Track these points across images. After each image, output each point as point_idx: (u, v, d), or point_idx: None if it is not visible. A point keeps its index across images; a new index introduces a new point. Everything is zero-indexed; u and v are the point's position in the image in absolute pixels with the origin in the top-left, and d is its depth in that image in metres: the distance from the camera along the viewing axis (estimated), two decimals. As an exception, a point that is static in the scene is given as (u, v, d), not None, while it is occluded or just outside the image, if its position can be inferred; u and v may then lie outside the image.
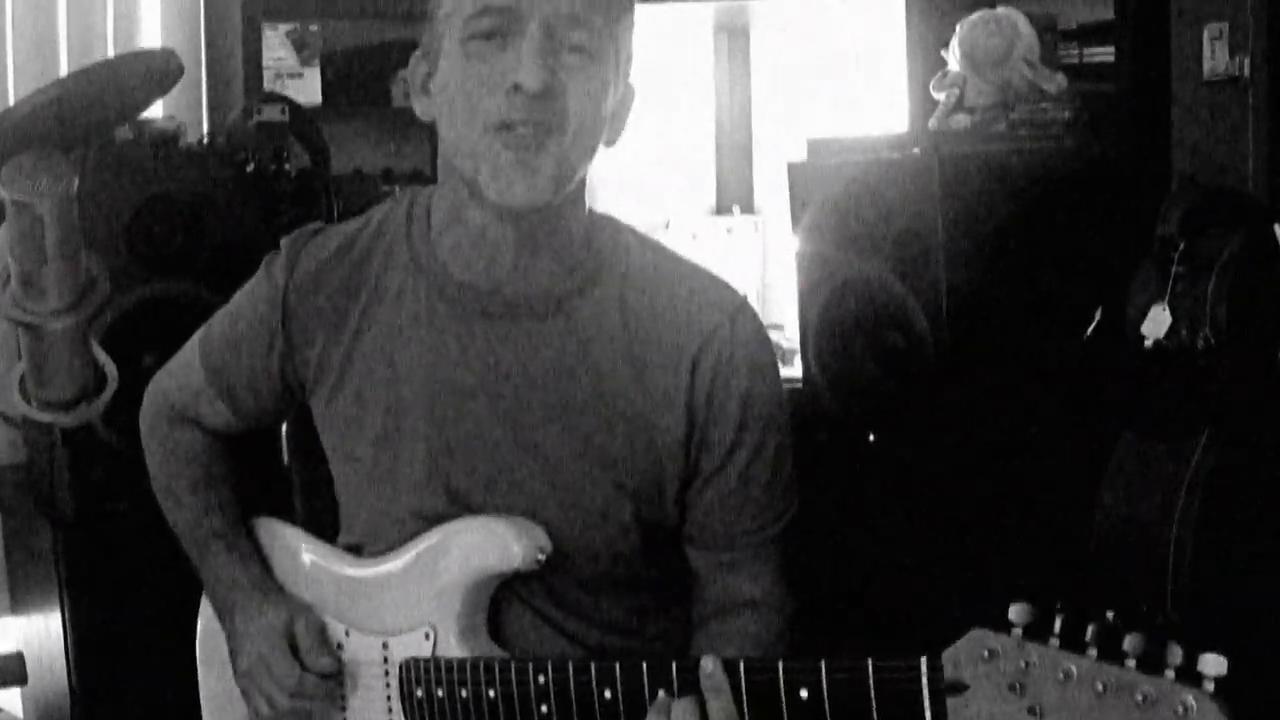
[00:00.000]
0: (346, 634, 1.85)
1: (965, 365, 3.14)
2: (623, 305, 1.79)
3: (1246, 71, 3.09)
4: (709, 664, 1.56)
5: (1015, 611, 1.39)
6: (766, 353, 1.83)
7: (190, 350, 2.00)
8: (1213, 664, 1.29)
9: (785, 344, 3.95)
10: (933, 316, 3.14)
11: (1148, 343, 2.81)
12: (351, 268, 1.86)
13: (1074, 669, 1.35)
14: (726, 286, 1.83)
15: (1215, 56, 3.13)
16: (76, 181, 1.60)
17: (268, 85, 4.25)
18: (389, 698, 1.80)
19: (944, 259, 3.10)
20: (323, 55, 4.38)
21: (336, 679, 1.84)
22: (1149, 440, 2.81)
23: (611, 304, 1.79)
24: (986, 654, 1.40)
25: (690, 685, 1.58)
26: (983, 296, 3.14)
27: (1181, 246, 2.79)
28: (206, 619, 2.02)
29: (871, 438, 3.33)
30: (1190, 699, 1.29)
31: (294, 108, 3.88)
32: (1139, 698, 1.31)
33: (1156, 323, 2.80)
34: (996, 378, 3.13)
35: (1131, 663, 1.32)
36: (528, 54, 1.64)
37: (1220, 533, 2.69)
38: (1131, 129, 3.35)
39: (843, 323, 3.36)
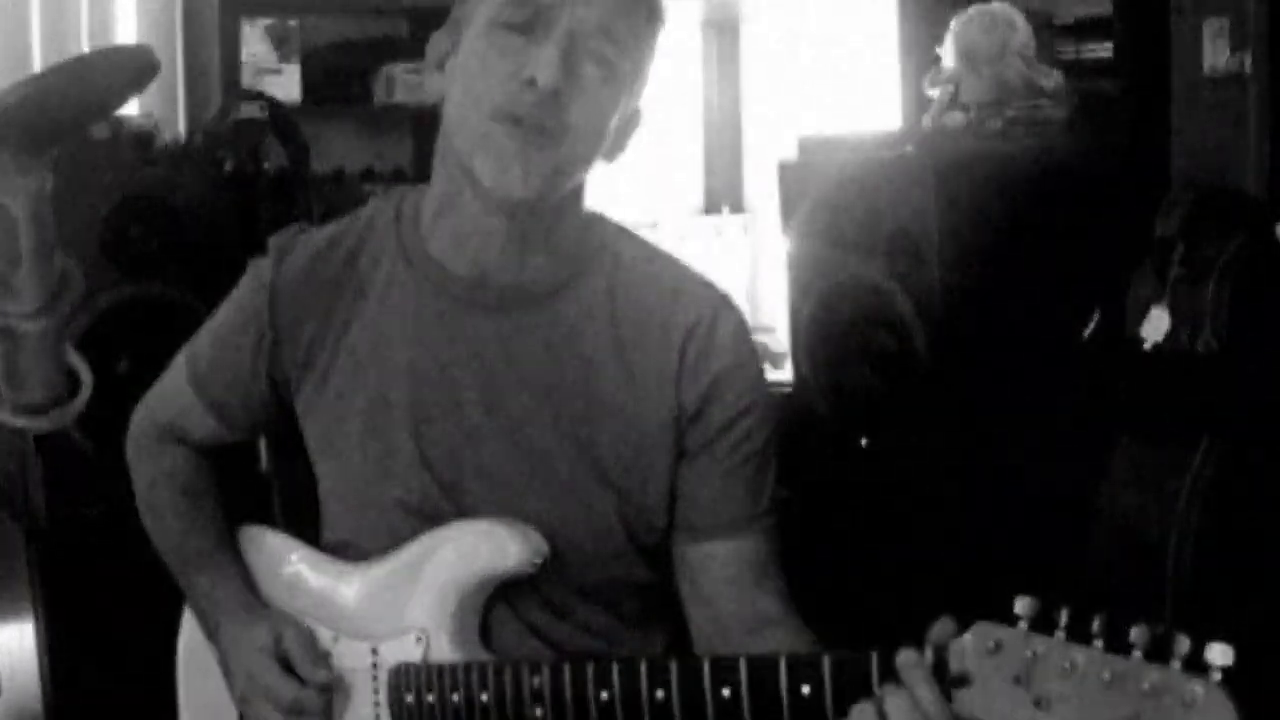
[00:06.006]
0: (335, 641, 1.84)
1: (959, 368, 3.11)
2: (610, 299, 1.82)
3: (1248, 68, 3.08)
4: (909, 655, 1.45)
5: (1021, 604, 1.39)
6: (749, 345, 1.86)
7: (176, 366, 2.01)
8: (1220, 653, 1.29)
9: (776, 347, 3.94)
10: (926, 319, 3.14)
11: (1147, 345, 2.80)
12: (340, 262, 1.88)
13: (1080, 660, 1.35)
14: (709, 282, 1.87)
15: (1216, 52, 3.12)
16: (50, 181, 1.58)
17: (246, 82, 4.23)
18: (377, 704, 1.79)
19: (938, 260, 3.10)
20: (302, 51, 4.37)
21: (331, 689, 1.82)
22: (1148, 445, 2.80)
23: (599, 298, 1.82)
24: (992, 646, 1.40)
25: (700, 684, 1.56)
26: (978, 298, 3.14)
27: (1181, 248, 2.78)
28: (189, 633, 2.01)
29: (864, 442, 3.31)
30: (1198, 688, 1.29)
31: (273, 105, 3.87)
32: (1145, 687, 1.31)
33: (1156, 325, 2.79)
34: (991, 381, 3.11)
35: (1138, 653, 1.32)
36: (549, 51, 1.67)
37: (1221, 540, 2.68)
38: (1130, 127, 3.36)
39: (835, 325, 3.35)
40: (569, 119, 1.69)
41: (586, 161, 1.76)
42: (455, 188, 1.77)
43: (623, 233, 1.89)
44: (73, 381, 1.74)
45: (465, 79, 1.73)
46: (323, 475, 1.91)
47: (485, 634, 1.81)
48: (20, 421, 1.73)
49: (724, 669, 1.56)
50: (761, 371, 1.88)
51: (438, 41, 1.80)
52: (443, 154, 1.80)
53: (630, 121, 1.81)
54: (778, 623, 1.81)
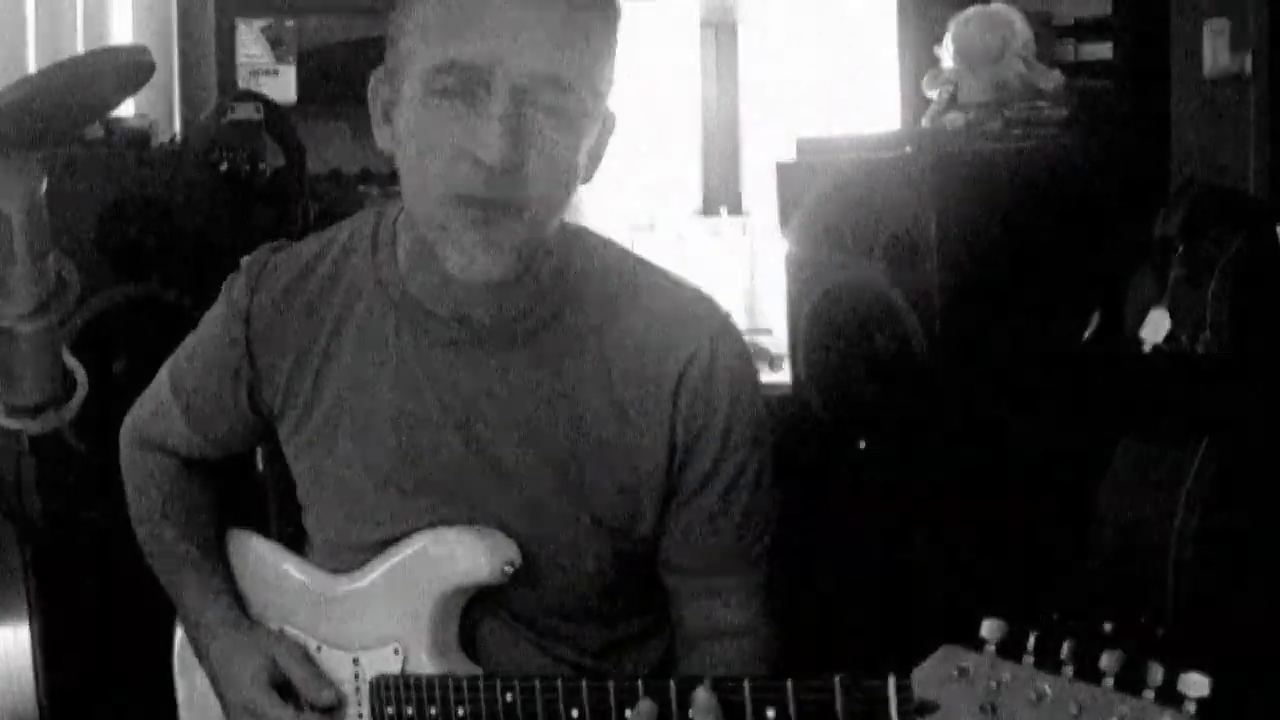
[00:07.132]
0: (318, 649, 1.84)
1: (958, 370, 3.10)
2: (599, 332, 1.75)
3: (1248, 68, 3.08)
4: (703, 695, 1.54)
5: (987, 628, 1.37)
6: (749, 373, 1.80)
7: (160, 379, 1.99)
8: (1195, 684, 1.26)
9: (774, 349, 3.92)
10: (925, 320, 3.12)
11: (1146, 347, 2.79)
12: (316, 291, 1.82)
13: (1048, 689, 1.33)
14: (707, 302, 1.79)
15: (1216, 53, 3.11)
16: (45, 182, 1.57)
17: (242, 83, 4.22)
18: (360, 715, 1.80)
19: (937, 261, 3.08)
20: (299, 52, 4.35)
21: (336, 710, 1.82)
22: (1148, 447, 2.78)
23: (586, 331, 1.75)
24: (957, 672, 1.38)
25: (667, 704, 1.58)
26: (976, 300, 3.12)
27: (1181, 248, 2.76)
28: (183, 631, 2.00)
29: (862, 444, 3.30)
30: None
31: (269, 106, 3.85)
32: (1115, 719, 1.28)
33: (1155, 326, 2.78)
34: (990, 383, 3.10)
35: (1109, 681, 1.30)
36: (491, 124, 1.53)
37: (1221, 542, 2.66)
38: (1130, 127, 3.35)
39: (833, 327, 3.34)
40: (529, 183, 1.56)
41: (559, 209, 1.63)
42: (428, 247, 1.65)
43: (609, 250, 1.81)
44: (68, 383, 1.73)
45: (409, 149, 1.60)
46: (307, 506, 1.90)
47: (476, 646, 1.81)
48: (15, 423, 1.72)
49: (690, 689, 1.56)
50: (760, 405, 1.80)
51: (377, 90, 1.67)
52: (409, 208, 1.68)
53: (603, 133, 1.68)
54: (729, 633, 1.81)
